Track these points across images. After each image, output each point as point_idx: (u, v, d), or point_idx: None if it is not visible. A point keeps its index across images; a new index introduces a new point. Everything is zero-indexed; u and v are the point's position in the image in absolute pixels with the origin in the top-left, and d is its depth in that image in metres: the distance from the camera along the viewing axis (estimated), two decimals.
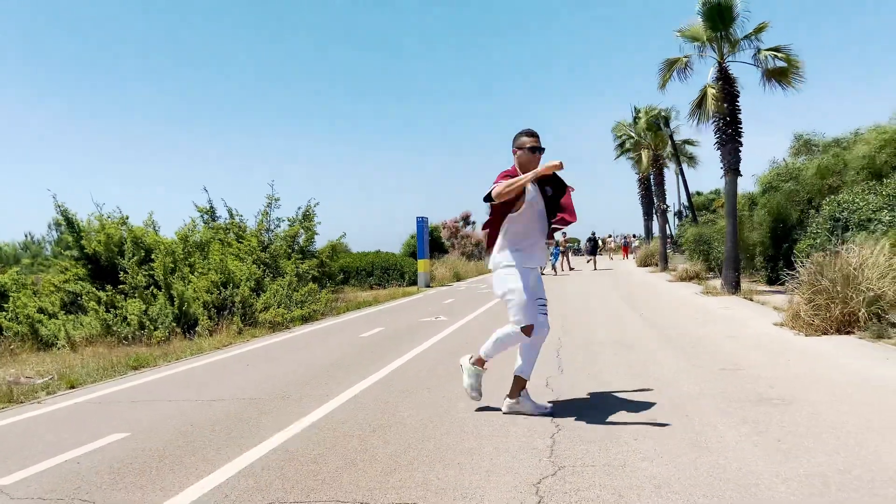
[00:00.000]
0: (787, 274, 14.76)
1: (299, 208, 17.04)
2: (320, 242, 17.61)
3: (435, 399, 5.24)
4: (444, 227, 40.57)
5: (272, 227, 15.32)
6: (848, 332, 7.67)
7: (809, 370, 5.69)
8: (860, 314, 7.69)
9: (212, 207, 15.86)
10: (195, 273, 11.05)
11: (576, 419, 4.38)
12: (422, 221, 23.48)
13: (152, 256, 11.02)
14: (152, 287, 10.46)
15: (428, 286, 22.59)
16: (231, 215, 15.73)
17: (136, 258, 11.08)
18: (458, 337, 9.06)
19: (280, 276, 13.00)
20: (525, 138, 4.50)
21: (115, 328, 9.69)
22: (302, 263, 14.69)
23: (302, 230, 17.06)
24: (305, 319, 11.95)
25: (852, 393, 4.77)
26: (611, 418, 4.36)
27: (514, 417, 4.53)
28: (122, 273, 10.52)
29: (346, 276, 22.51)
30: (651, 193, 36.47)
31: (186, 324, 10.09)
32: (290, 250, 15.89)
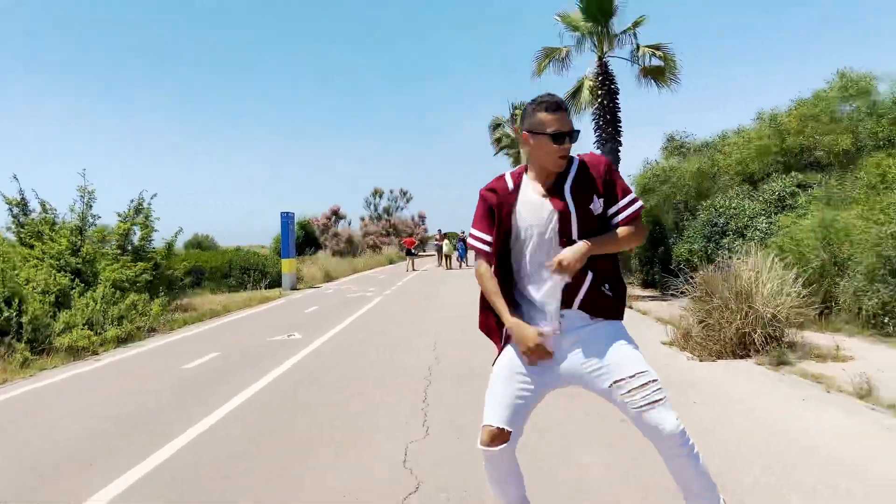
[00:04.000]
0: (663, 277, 14.63)
1: (131, 201, 14.64)
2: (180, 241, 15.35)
3: (270, 488, 3.66)
4: (315, 223, 38.39)
5: (87, 225, 12.86)
6: (743, 356, 6.92)
7: (726, 421, 4.68)
8: (756, 336, 6.97)
9: (23, 199, 13.14)
10: None
11: None
12: (287, 217, 21.41)
13: None
14: None
15: (294, 288, 20.62)
16: (45, 209, 13.11)
17: None
18: (308, 366, 7.47)
19: (95, 286, 10.70)
20: (543, 115, 2.39)
21: None
22: (128, 268, 12.38)
23: (136, 227, 14.66)
24: (123, 340, 9.81)
25: (794, 465, 3.74)
26: None
27: None
28: None
29: (198, 277, 20.03)
30: None
31: None
32: (119, 252, 13.49)
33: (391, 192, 55.47)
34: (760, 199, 11.75)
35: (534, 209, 2.43)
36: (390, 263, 38.36)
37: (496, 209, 2.48)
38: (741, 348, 7.01)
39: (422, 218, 57.15)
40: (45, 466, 4.27)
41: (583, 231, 2.39)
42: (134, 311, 10.64)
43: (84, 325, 9.21)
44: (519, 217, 2.45)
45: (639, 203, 2.48)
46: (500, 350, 2.59)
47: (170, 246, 14.93)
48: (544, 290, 2.45)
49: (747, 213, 11.55)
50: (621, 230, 2.46)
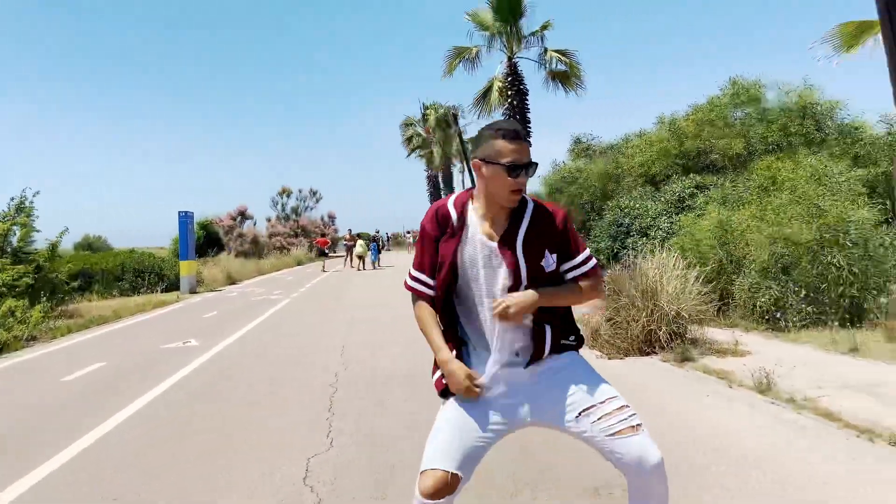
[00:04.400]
0: None
1: (12, 199, 13.43)
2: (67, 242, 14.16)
3: None
4: (219, 223, 36.81)
5: None
6: (649, 353, 7.04)
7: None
8: (661, 333, 7.10)
9: None
10: None
11: None
12: (185, 217, 20.30)
13: None
14: None
15: (193, 292, 19.55)
16: None
17: None
18: (203, 375, 6.96)
19: None
20: (500, 143, 2.15)
21: None
22: (5, 272, 11.28)
23: (16, 227, 13.45)
24: None
25: (706, 465, 3.73)
26: None
27: None
28: None
29: (87, 281, 18.64)
30: (439, 191, 36.47)
31: None
32: None
33: (300, 191, 53.95)
34: (662, 199, 12.15)
35: (482, 254, 2.21)
36: (298, 265, 37.30)
37: (438, 246, 2.26)
38: (647, 345, 7.12)
39: (332, 218, 56.01)
40: None
41: (531, 287, 2.20)
42: (11, 319, 9.65)
43: None
44: (464, 258, 2.23)
45: (594, 261, 2.30)
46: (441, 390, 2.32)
47: (54, 247, 13.78)
48: (489, 336, 2.24)
49: (650, 213, 11.91)
50: (580, 284, 2.27)
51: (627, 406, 2.15)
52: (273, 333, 10.02)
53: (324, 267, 30.02)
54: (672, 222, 11.31)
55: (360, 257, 31.37)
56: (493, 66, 14.68)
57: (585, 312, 8.22)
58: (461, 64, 14.24)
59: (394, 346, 8.19)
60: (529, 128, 14.28)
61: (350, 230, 35.45)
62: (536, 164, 2.22)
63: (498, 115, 14.23)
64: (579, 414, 2.15)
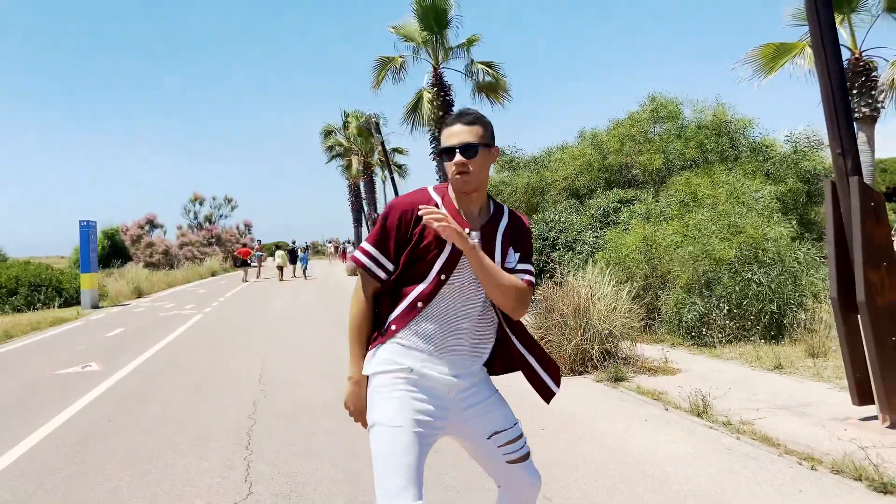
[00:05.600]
0: None
1: None
2: None
3: None
4: (125, 232, 34.77)
5: None
6: (582, 373, 6.93)
7: (576, 451, 4.46)
8: (593, 352, 7.00)
9: None
10: None
11: None
12: (87, 226, 18.92)
13: None
14: None
15: (96, 307, 18.22)
16: None
17: None
18: (104, 407, 6.28)
19: None
20: (444, 131, 2.15)
21: None
22: None
23: None
24: None
25: (649, 499, 3.54)
26: None
27: None
28: None
29: (33, 289, 16.99)
30: (360, 200, 35.89)
31: None
32: None
33: (214, 198, 51.85)
34: (587, 213, 12.23)
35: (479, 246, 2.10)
36: (213, 275, 35.74)
37: (409, 228, 2.08)
38: (580, 364, 7.01)
39: (248, 227, 54.12)
40: None
41: None
42: None
43: None
44: (444, 247, 2.06)
45: (533, 279, 2.20)
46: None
47: None
48: (451, 337, 2.10)
49: (576, 227, 11.96)
50: (514, 278, 2.12)
51: (523, 435, 2.22)
52: (184, 355, 9.32)
53: (245, 277, 29.02)
54: (597, 237, 11.38)
55: (280, 268, 30.42)
56: (421, 78, 14.53)
57: None
58: (389, 74, 13.91)
59: (319, 371, 7.74)
60: None
61: (259, 241, 34.58)
62: (474, 146, 2.06)
63: (427, 132, 14.03)
64: (491, 436, 2.15)
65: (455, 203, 2.14)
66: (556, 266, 11.48)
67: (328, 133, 35.41)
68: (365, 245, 2.15)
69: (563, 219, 12.39)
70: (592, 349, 6.99)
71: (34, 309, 17.46)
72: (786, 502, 3.47)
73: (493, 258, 2.10)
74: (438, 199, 2.14)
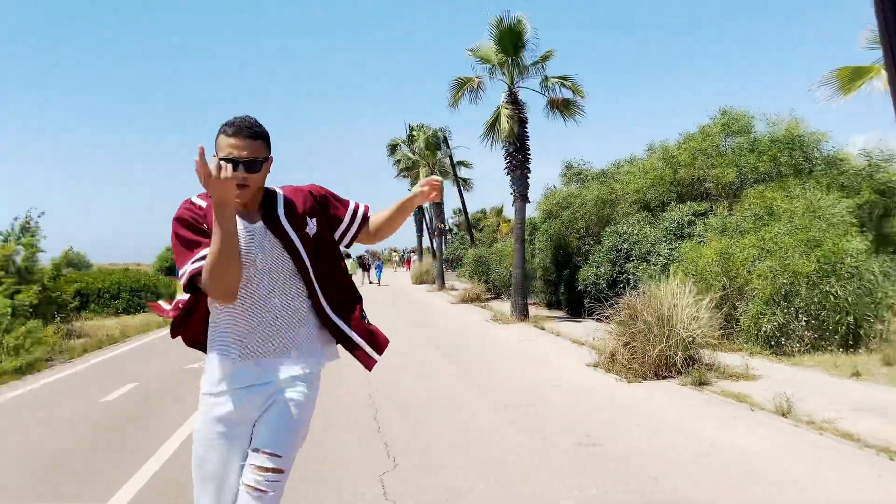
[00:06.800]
0: (569, 298, 15.37)
1: (15, 219, 13.49)
2: (45, 259, 14.14)
3: None
4: None
5: None
6: (666, 377, 7.45)
7: (677, 445, 5.05)
8: (677, 358, 7.52)
9: None
10: None
11: None
12: None
13: None
14: None
15: None
16: None
17: None
18: None
19: None
20: (221, 138, 2.15)
21: None
22: (19, 293, 11.37)
23: (20, 247, 13.50)
24: (23, 371, 8.98)
25: (747, 485, 4.12)
26: None
27: None
28: None
29: (83, 300, 18.59)
30: (423, 211, 36.87)
31: None
32: (2, 273, 12.33)
33: None
34: (661, 226, 12.66)
35: (251, 238, 2.17)
36: None
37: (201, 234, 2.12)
38: (664, 369, 7.54)
39: None
40: None
41: (313, 256, 2.26)
42: (31, 339, 9.77)
43: None
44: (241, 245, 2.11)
45: (363, 205, 2.45)
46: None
47: (58, 267, 13.84)
48: (256, 330, 2.18)
49: (649, 239, 12.41)
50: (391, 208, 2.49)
51: (282, 471, 2.11)
52: None
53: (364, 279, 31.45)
54: (672, 248, 11.80)
55: (351, 275, 32.17)
56: (494, 93, 15.29)
57: (600, 337, 8.64)
58: (466, 94, 14.70)
59: (420, 356, 8.49)
60: (529, 154, 14.75)
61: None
62: (258, 161, 2.12)
63: (501, 148, 14.75)
64: (251, 448, 2.14)
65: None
66: (630, 277, 12.00)
67: (394, 147, 36.48)
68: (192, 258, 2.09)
69: (636, 231, 12.86)
70: (676, 355, 7.51)
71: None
72: (866, 484, 3.99)
73: (289, 238, 2.19)
74: (204, 205, 2.16)
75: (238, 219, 2.11)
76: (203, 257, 2.05)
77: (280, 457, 2.10)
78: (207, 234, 2.08)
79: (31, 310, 12.07)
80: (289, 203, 2.27)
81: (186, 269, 2.09)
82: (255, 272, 2.16)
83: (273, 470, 2.08)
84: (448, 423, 5.80)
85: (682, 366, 7.46)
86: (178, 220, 2.14)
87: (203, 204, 2.17)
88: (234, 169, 2.05)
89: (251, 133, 2.12)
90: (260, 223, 2.19)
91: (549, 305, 16.90)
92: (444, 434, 5.43)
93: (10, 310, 10.34)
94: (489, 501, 3.94)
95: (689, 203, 13.13)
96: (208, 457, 2.15)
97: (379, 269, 33.42)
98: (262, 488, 2.06)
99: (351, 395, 7.04)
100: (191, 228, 2.13)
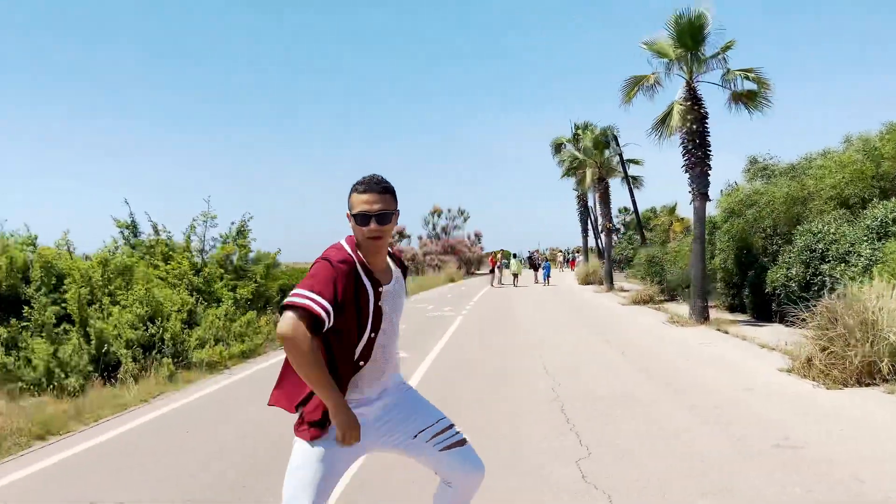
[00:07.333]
0: (754, 302, 14.55)
1: (232, 223, 15.47)
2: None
3: None
4: None
5: (207, 247, 13.66)
6: (870, 384, 6.99)
7: (881, 448, 4.83)
8: (882, 365, 7.02)
9: (134, 222, 14.00)
10: (118, 304, 9.36)
11: None
12: None
13: (65, 284, 9.27)
14: (64, 323, 8.71)
15: None
16: (156, 231, 13.94)
17: (44, 288, 9.29)
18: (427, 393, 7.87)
19: (214, 305, 11.42)
20: (354, 196, 2.39)
21: (17, 373, 7.93)
22: (240, 288, 13.11)
23: (236, 248, 15.49)
24: (245, 355, 10.44)
25: None
26: None
27: None
28: (25, 307, 8.72)
29: (283, 296, 20.83)
30: (588, 210, 36.47)
31: (106, 366, 8.43)
32: (223, 272, 14.26)
33: (448, 210, 55.82)
34: (861, 224, 11.66)
35: (394, 296, 2.47)
36: (451, 282, 38.77)
37: (349, 285, 2.29)
38: (867, 376, 7.07)
39: (478, 236, 57.39)
40: (246, 472, 4.75)
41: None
42: (251, 328, 11.28)
43: (215, 341, 9.87)
44: (381, 301, 2.40)
45: None
46: (316, 433, 2.35)
47: (269, 267, 15.66)
48: (371, 376, 2.45)
49: (848, 238, 11.48)
50: None
51: (453, 425, 2.53)
52: (469, 348, 10.87)
53: (492, 282, 32.10)
54: (874, 249, 10.84)
55: (516, 275, 33.00)
56: (670, 91, 14.92)
57: (793, 342, 8.24)
58: (640, 91, 14.52)
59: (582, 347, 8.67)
60: (710, 150, 14.20)
61: (501, 251, 37.00)
62: (390, 213, 2.37)
63: (676, 138, 14.34)
64: (416, 435, 2.47)
65: (364, 258, 2.37)
66: (826, 279, 11.18)
67: (558, 146, 36.46)
68: (312, 295, 2.21)
69: (832, 230, 11.95)
70: (882, 361, 7.01)
71: None
72: None
73: (402, 303, 2.51)
74: (356, 260, 2.36)
75: (375, 282, 2.39)
76: (317, 301, 2.20)
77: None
78: (337, 295, 2.24)
79: (246, 303, 13.86)
80: (397, 260, 2.62)
81: (300, 299, 2.21)
82: (390, 326, 2.47)
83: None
84: (636, 417, 5.97)
85: (888, 373, 6.95)
86: (333, 266, 2.28)
87: (356, 260, 2.36)
88: (367, 222, 2.33)
89: (381, 189, 2.37)
90: (393, 284, 2.48)
91: (731, 308, 16.10)
92: (633, 427, 5.62)
93: (232, 301, 11.98)
94: (687, 488, 4.11)
95: (893, 199, 11.95)
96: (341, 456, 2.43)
97: (546, 269, 33.76)
98: (462, 437, 2.54)
99: (529, 388, 7.42)
100: (336, 276, 2.26)
